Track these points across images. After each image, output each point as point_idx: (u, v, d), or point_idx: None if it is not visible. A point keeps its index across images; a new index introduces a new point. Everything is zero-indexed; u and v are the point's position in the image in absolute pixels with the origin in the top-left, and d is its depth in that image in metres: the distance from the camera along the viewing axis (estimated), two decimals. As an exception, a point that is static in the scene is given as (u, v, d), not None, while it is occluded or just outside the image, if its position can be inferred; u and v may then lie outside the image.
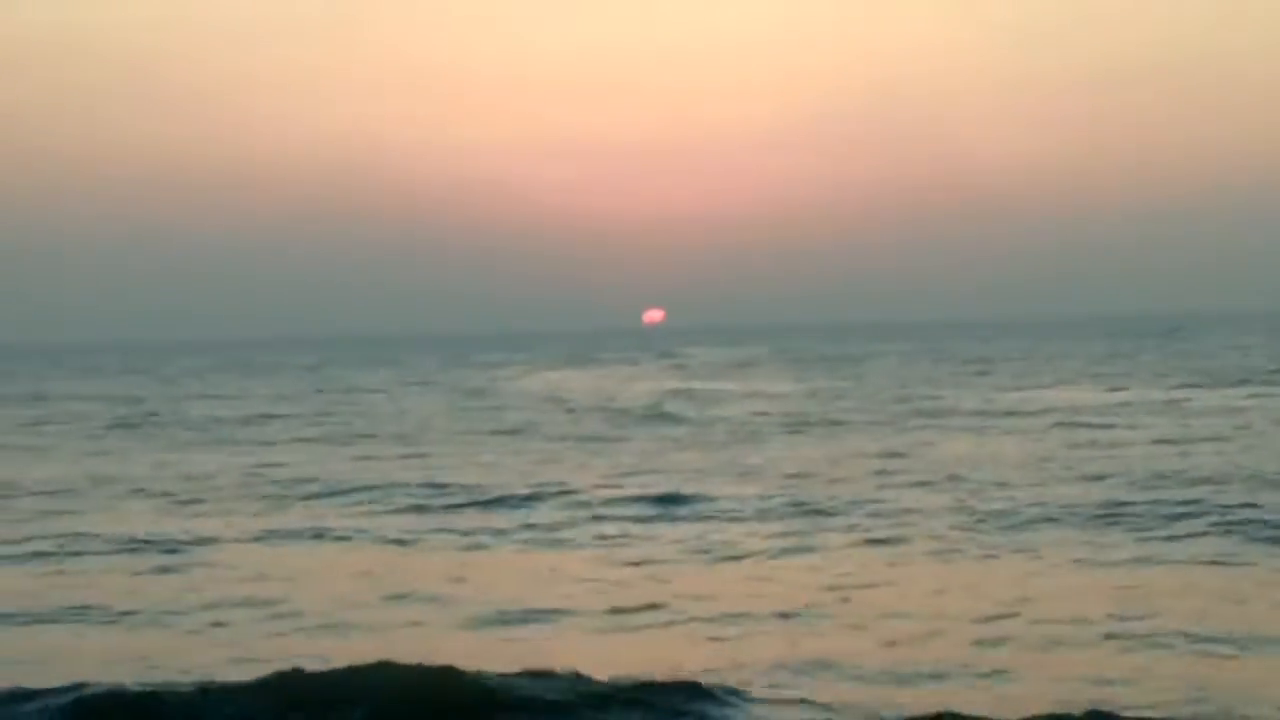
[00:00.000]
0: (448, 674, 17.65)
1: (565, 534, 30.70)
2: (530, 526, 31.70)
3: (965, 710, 16.16)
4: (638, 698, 17.06)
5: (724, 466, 42.54)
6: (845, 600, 22.76)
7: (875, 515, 31.38)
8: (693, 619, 21.79)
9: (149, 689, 17.53)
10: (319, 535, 31.07)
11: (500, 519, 32.92)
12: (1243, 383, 75.41)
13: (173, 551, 29.34)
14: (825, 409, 66.65)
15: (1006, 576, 24.52)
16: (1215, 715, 16.20)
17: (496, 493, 37.01)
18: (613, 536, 30.15)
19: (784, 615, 21.74)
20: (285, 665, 18.09)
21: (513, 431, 58.54)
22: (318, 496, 37.80)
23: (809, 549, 27.84)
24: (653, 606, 22.68)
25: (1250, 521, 28.78)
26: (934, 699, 16.70)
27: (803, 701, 17.02)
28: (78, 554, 29.43)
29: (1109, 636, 19.83)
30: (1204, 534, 27.93)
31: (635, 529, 31.05)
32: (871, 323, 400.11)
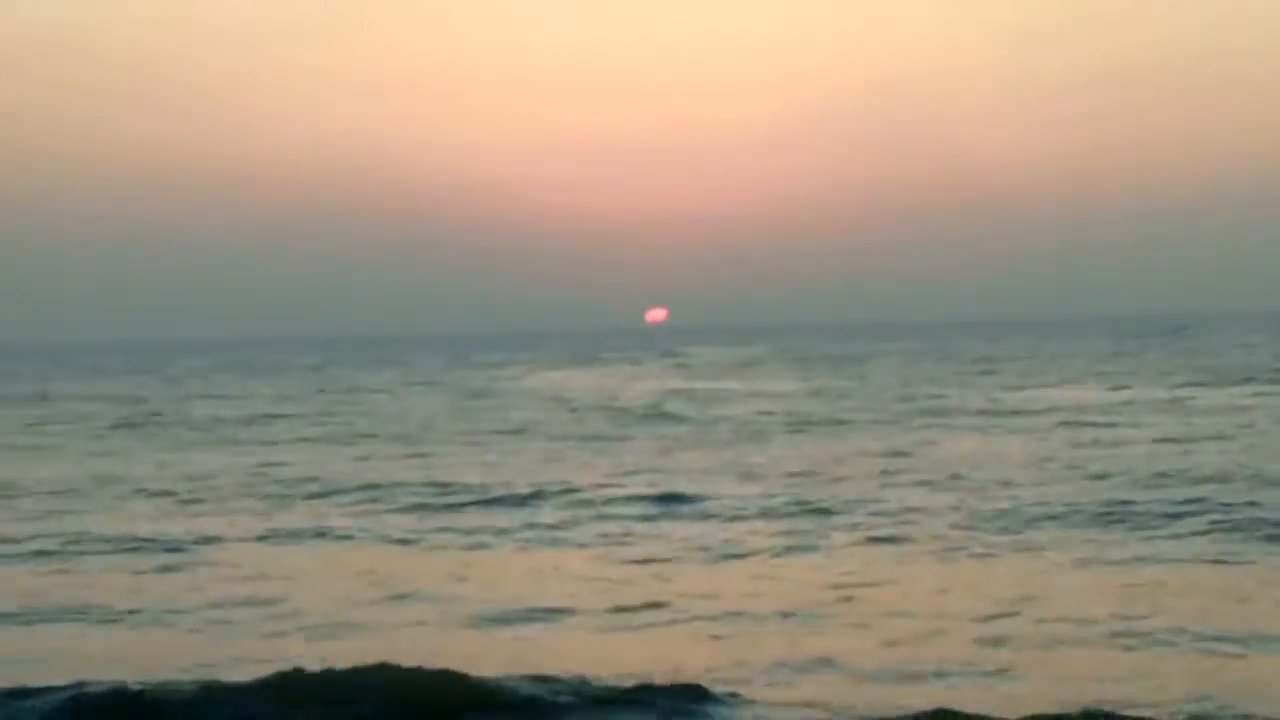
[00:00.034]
0: (448, 675, 17.63)
1: (568, 533, 30.68)
2: (533, 525, 31.69)
3: (964, 708, 16.14)
4: (639, 699, 17.05)
5: (727, 465, 42.52)
6: (848, 599, 22.74)
7: (878, 514, 31.35)
8: (695, 618, 21.77)
9: (150, 688, 17.52)
10: (321, 535, 31.06)
11: (503, 518, 32.91)
12: (1247, 381, 75.37)
13: (175, 551, 29.33)
14: (829, 408, 66.62)
15: (1009, 575, 24.50)
16: (1218, 714, 16.16)
17: (499, 492, 37.00)
18: (615, 535, 30.13)
19: (786, 614, 21.71)
20: (286, 665, 18.08)
21: (515, 431, 58.52)
22: (320, 496, 37.79)
23: (812, 548, 27.82)
24: (655, 605, 22.67)
25: (1253, 520, 28.75)
26: (936, 698, 16.68)
27: (805, 704, 16.98)
28: (80, 553, 29.42)
29: (1112, 635, 19.80)
30: (1207, 532, 27.90)
31: (638, 528, 31.03)
32: (875, 322, 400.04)
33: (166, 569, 27.57)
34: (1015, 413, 59.41)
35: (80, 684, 17.71)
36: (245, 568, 27.22)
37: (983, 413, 60.26)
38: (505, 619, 22.04)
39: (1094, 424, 52.63)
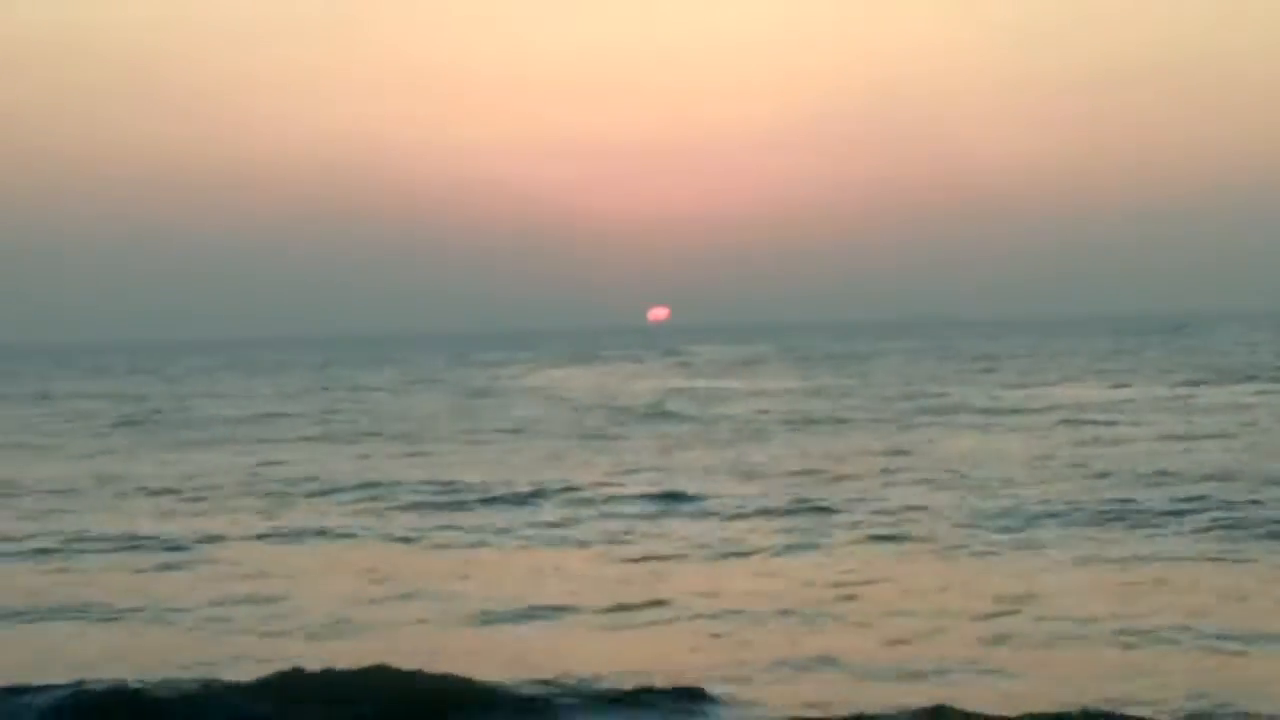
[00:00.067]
0: (448, 675, 17.62)
1: (568, 531, 30.67)
2: (533, 524, 31.67)
3: (966, 706, 16.13)
4: (639, 700, 17.03)
5: (728, 464, 42.50)
6: (849, 597, 22.72)
7: (879, 512, 31.33)
8: (696, 616, 21.76)
9: (150, 686, 17.52)
10: (322, 533, 31.04)
11: (503, 517, 32.89)
12: (1249, 379, 75.35)
13: (175, 549, 29.32)
14: (830, 407, 66.61)
15: (1010, 573, 24.48)
16: (1219, 712, 16.15)
17: (500, 490, 36.99)
18: (616, 534, 30.11)
19: (786, 612, 21.70)
20: (286, 664, 18.09)
21: (516, 429, 58.50)
22: (321, 494, 37.78)
23: (812, 546, 27.81)
24: (656, 603, 22.66)
25: (1255, 518, 28.73)
26: (937, 696, 16.66)
27: (805, 703, 16.96)
28: (80, 551, 29.41)
29: (1113, 633, 19.78)
30: (1208, 530, 27.88)
31: (639, 526, 31.01)
32: (876, 321, 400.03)
33: (167, 567, 27.57)
34: (1016, 411, 59.40)
35: (80, 682, 17.72)
36: (246, 566, 27.20)
37: (984, 411, 60.24)
38: (506, 617, 22.03)
39: (1095, 422, 52.61)
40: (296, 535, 30.85)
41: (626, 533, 30.22)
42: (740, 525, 30.64)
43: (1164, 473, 36.30)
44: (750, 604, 22.35)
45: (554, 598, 23.23)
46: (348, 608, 22.98)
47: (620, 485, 37.69)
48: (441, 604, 23.24)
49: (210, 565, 27.56)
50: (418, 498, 36.36)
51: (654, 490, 36.05)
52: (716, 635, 20.54)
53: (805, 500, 33.41)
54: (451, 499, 35.96)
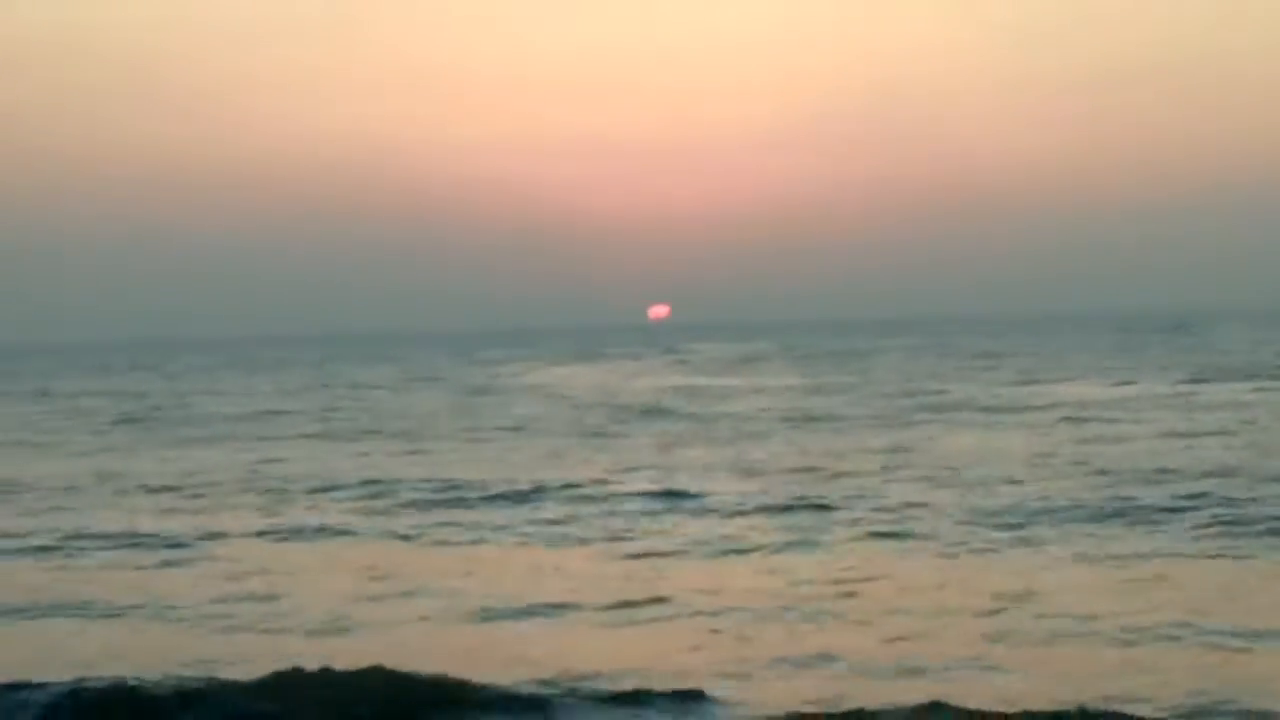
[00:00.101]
0: (446, 675, 17.62)
1: (569, 529, 30.66)
2: (534, 521, 31.67)
3: (964, 703, 16.13)
4: (639, 700, 17.02)
5: (728, 461, 42.50)
6: (849, 594, 22.72)
7: (879, 510, 31.33)
8: (696, 613, 21.76)
9: (149, 683, 17.52)
10: (322, 531, 31.05)
11: (504, 514, 32.89)
12: (1250, 377, 75.32)
13: (176, 546, 29.33)
14: (830, 404, 66.61)
15: (1010, 570, 24.47)
16: (1219, 709, 16.14)
17: (500, 488, 36.99)
18: (617, 531, 30.11)
19: (786, 609, 21.69)
20: (286, 662, 18.09)
21: (516, 427, 58.50)
22: (321, 492, 37.78)
23: (812, 543, 27.80)
24: (656, 600, 22.66)
25: (1256, 515, 28.72)
26: (936, 693, 16.65)
27: (805, 700, 16.96)
28: (81, 549, 29.42)
29: (1113, 630, 19.77)
30: (1209, 527, 27.87)
31: (639, 523, 31.01)
32: (876, 319, 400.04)
33: (167, 565, 27.57)
34: (1017, 408, 59.39)
35: (80, 679, 17.73)
36: (246, 563, 27.21)
37: (984, 408, 60.24)
38: (506, 615, 22.03)
39: (1096, 419, 52.60)
40: (296, 533, 30.85)
41: (627, 530, 30.22)
42: (740, 522, 30.64)
43: (1164, 470, 36.29)
44: (750, 601, 22.35)
45: (554, 595, 23.23)
46: (347, 605, 22.98)
47: (620, 483, 37.68)
48: (442, 602, 23.23)
49: (210, 563, 27.57)
50: (418, 495, 36.36)
51: (654, 488, 36.05)
52: (716, 632, 20.54)
53: (805, 497, 33.41)
54: (451, 496, 35.96)
